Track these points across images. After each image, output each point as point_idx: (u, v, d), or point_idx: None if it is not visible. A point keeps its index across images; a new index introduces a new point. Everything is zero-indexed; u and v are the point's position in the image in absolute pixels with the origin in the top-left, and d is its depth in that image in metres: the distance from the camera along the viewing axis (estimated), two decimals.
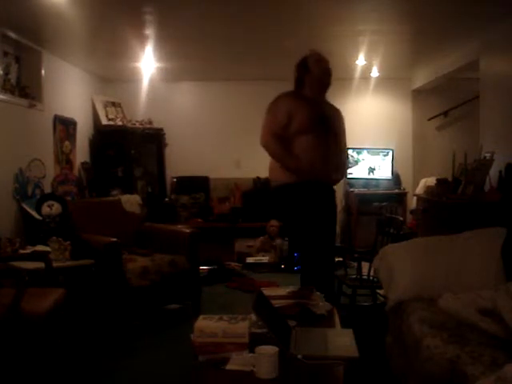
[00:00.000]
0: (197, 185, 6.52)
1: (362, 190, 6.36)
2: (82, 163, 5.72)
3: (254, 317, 2.06)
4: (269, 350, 1.76)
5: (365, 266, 3.82)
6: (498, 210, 3.41)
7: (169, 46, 4.81)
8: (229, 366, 1.82)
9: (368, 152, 6.49)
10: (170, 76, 6.22)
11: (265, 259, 5.88)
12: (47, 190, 4.65)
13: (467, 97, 6.03)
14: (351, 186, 6.46)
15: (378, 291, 3.87)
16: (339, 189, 6.64)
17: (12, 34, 4.21)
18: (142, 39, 4.49)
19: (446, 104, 6.48)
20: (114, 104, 6.34)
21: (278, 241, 6.01)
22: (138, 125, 6.28)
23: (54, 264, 3.26)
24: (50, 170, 4.85)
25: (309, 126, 2.98)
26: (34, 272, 3.14)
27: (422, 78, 6.23)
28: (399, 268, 2.98)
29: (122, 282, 3.68)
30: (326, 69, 3.13)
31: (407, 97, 6.68)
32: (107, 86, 6.51)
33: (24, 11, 3.64)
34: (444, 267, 2.87)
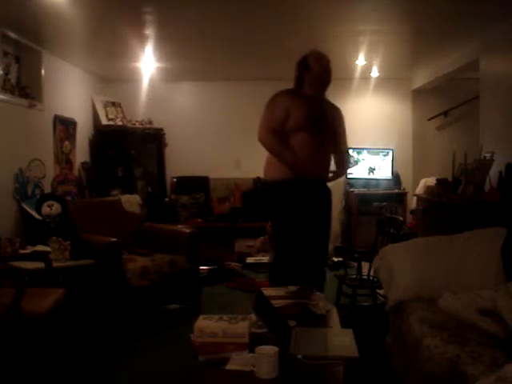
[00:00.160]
0: (197, 185, 6.52)
1: (362, 190, 6.36)
2: (82, 163, 5.72)
3: (253, 317, 2.06)
4: (269, 349, 1.76)
5: (365, 266, 3.82)
6: (497, 210, 3.41)
7: (169, 46, 4.81)
8: (229, 366, 1.82)
9: (368, 152, 6.49)
10: (169, 76, 6.22)
11: (265, 259, 5.87)
12: (47, 190, 4.65)
13: (467, 97, 6.03)
14: (351, 186, 6.46)
15: (378, 291, 3.87)
16: (339, 189, 6.66)
17: (12, 34, 4.21)
18: (142, 39, 4.49)
19: (446, 104, 6.48)
20: (114, 104, 6.34)
21: None
22: (138, 125, 6.28)
23: (54, 264, 3.26)
24: (50, 170, 4.85)
25: (305, 123, 2.99)
26: (33, 272, 3.13)
27: (422, 77, 6.23)
28: (399, 268, 2.98)
29: (122, 282, 3.68)
30: (326, 67, 3.13)
31: (407, 97, 6.68)
32: (107, 86, 6.51)
33: (24, 11, 3.64)
34: (444, 267, 2.87)
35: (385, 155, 6.48)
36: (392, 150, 6.48)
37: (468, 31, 4.36)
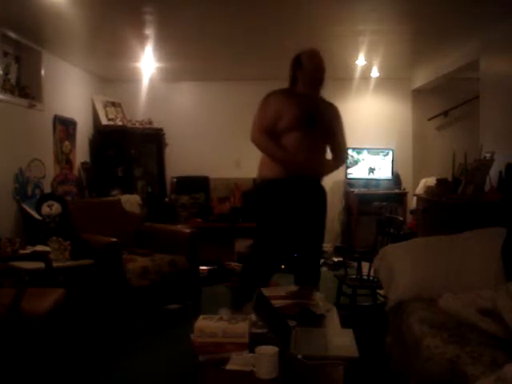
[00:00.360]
0: (197, 185, 6.52)
1: (362, 190, 6.36)
2: (82, 163, 5.72)
3: (254, 317, 2.07)
4: (269, 350, 1.76)
5: (365, 266, 3.82)
6: (497, 209, 3.41)
7: (169, 45, 4.81)
8: (229, 366, 1.82)
9: (368, 152, 6.49)
10: (170, 76, 6.21)
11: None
12: (47, 190, 4.65)
13: (467, 97, 6.03)
14: (351, 186, 6.46)
15: (378, 291, 3.87)
16: (339, 189, 6.67)
17: (12, 34, 4.21)
18: (142, 39, 4.49)
19: (445, 104, 6.48)
20: (113, 104, 6.34)
21: None
22: (137, 125, 6.27)
23: (54, 264, 3.26)
24: (50, 170, 4.85)
25: (297, 122, 2.97)
26: (33, 272, 3.13)
27: (422, 77, 6.23)
28: (399, 268, 2.99)
29: (122, 282, 3.68)
30: (319, 65, 3.11)
31: (407, 97, 6.68)
32: (107, 86, 6.51)
33: (24, 11, 3.64)
34: (444, 267, 2.87)
35: (385, 155, 6.48)
36: (392, 149, 6.48)
37: (468, 31, 4.36)
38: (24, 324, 2.59)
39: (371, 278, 3.84)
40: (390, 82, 6.55)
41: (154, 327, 3.87)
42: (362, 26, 4.25)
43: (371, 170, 6.48)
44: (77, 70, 5.68)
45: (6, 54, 4.28)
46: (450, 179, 4.00)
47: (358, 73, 6.01)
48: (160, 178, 6.49)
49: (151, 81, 6.22)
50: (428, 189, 4.45)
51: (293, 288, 2.75)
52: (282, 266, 5.75)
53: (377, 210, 5.88)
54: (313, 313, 2.34)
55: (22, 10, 3.61)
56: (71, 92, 5.54)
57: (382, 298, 3.84)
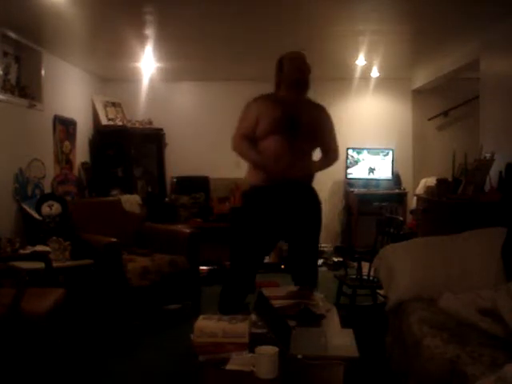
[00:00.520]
0: (197, 185, 6.52)
1: (362, 190, 6.36)
2: (82, 163, 5.72)
3: (254, 317, 2.07)
4: (269, 349, 1.76)
5: (365, 266, 3.82)
6: (497, 209, 3.41)
7: (169, 45, 4.81)
8: (229, 366, 1.82)
9: (368, 152, 6.49)
10: (170, 76, 6.21)
11: (265, 259, 5.87)
12: (47, 190, 4.65)
13: (467, 97, 6.03)
14: (351, 186, 6.46)
15: (378, 291, 3.87)
16: (339, 189, 6.67)
17: (12, 34, 4.21)
18: (142, 39, 4.48)
19: (446, 104, 6.48)
20: (113, 104, 6.34)
21: None
22: (137, 125, 6.27)
23: (54, 264, 3.26)
24: (50, 170, 4.85)
25: (276, 126, 2.93)
26: (33, 272, 3.13)
27: (422, 77, 6.23)
28: (399, 268, 2.99)
29: (122, 282, 3.68)
30: (300, 67, 3.04)
31: (407, 97, 6.68)
32: (107, 86, 6.51)
33: (24, 11, 3.64)
34: (444, 267, 2.87)
35: (385, 155, 6.48)
36: (392, 149, 6.48)
37: (468, 31, 4.36)
38: (24, 324, 2.59)
39: (371, 278, 3.84)
40: (390, 81, 6.55)
41: (153, 327, 3.87)
42: (362, 26, 4.25)
43: (371, 170, 6.49)
44: (77, 70, 5.68)
45: (5, 54, 4.27)
46: (450, 179, 4.00)
47: (357, 73, 6.00)
48: (160, 178, 6.48)
49: (151, 81, 6.21)
50: (428, 189, 4.45)
51: (293, 288, 2.75)
52: (282, 266, 5.79)
53: (377, 210, 5.87)
54: (313, 313, 2.34)
55: (22, 10, 3.61)
56: (71, 92, 5.54)
57: (382, 298, 3.84)
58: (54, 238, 3.58)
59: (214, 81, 6.57)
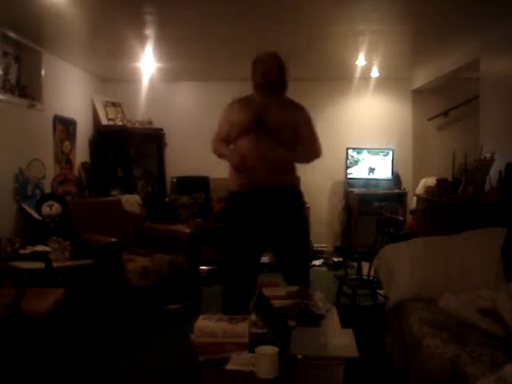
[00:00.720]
0: (197, 185, 6.51)
1: (362, 190, 6.36)
2: (82, 163, 5.71)
3: (254, 317, 2.07)
4: (269, 349, 1.76)
5: (365, 266, 3.82)
6: (497, 210, 3.41)
7: (169, 45, 4.81)
8: (229, 366, 1.82)
9: (368, 152, 6.49)
10: (170, 76, 6.21)
11: (265, 259, 5.87)
12: (47, 190, 4.65)
13: (467, 97, 6.03)
14: (351, 186, 6.46)
15: (378, 291, 3.87)
16: (339, 189, 6.67)
17: (12, 34, 4.21)
18: (142, 39, 4.48)
19: (446, 104, 6.48)
20: (114, 104, 6.34)
21: None
22: (137, 125, 6.27)
23: (54, 264, 3.26)
24: (50, 170, 4.85)
25: (245, 127, 2.95)
26: (33, 272, 3.13)
27: (422, 77, 6.23)
28: (399, 268, 2.99)
29: (122, 282, 3.68)
30: (268, 69, 3.01)
31: (407, 97, 6.68)
32: (107, 86, 6.51)
33: (24, 11, 3.64)
34: (444, 267, 2.87)
35: (385, 155, 6.48)
36: (392, 149, 6.48)
37: (468, 31, 4.36)
38: (24, 324, 2.59)
39: (371, 278, 3.84)
40: (390, 81, 6.55)
41: (154, 327, 3.87)
42: (362, 26, 4.25)
43: (371, 170, 6.48)
44: (77, 70, 5.68)
45: (5, 54, 4.27)
46: (450, 179, 4.00)
47: (357, 73, 6.00)
48: (160, 178, 6.48)
49: (151, 81, 6.21)
50: (428, 189, 4.45)
51: (293, 288, 2.75)
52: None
53: (377, 210, 5.87)
54: (313, 313, 2.34)
55: (22, 10, 3.61)
56: (71, 92, 5.54)
57: (382, 298, 3.84)
58: (54, 238, 3.58)
59: (213, 81, 6.56)
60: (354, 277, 3.99)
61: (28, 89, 4.58)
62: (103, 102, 6.24)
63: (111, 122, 6.13)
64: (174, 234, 4.44)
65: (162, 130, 6.44)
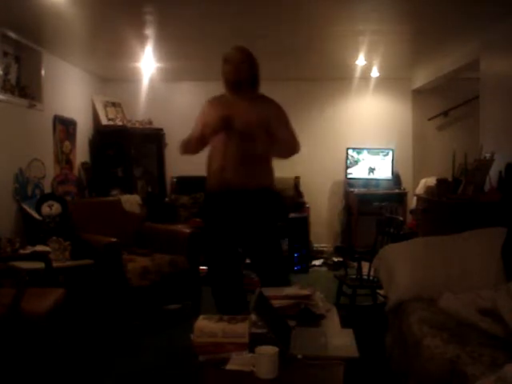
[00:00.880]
0: (197, 185, 6.47)
1: (362, 190, 6.36)
2: (82, 163, 5.71)
3: (253, 317, 2.06)
4: (269, 349, 1.76)
5: (365, 266, 3.82)
6: (497, 209, 3.41)
7: (169, 45, 4.81)
8: (229, 366, 1.82)
9: (368, 152, 6.49)
10: (169, 76, 6.21)
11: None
12: (47, 190, 4.65)
13: (467, 97, 6.03)
14: (351, 186, 6.46)
15: (378, 291, 3.87)
16: (339, 189, 6.67)
17: (12, 34, 4.21)
18: (142, 39, 4.48)
19: (446, 104, 6.48)
20: (114, 104, 6.34)
21: None
22: (137, 125, 6.27)
23: (54, 264, 3.26)
24: (50, 170, 4.85)
25: (215, 129, 2.93)
26: (33, 272, 3.13)
27: (422, 77, 6.23)
28: (399, 268, 2.99)
29: (122, 282, 3.68)
30: (233, 67, 3.01)
31: (407, 97, 6.68)
32: (107, 86, 6.51)
33: (24, 11, 3.64)
34: (444, 267, 2.87)
35: (385, 155, 6.48)
36: (392, 149, 6.48)
37: (468, 31, 4.36)
38: (24, 324, 2.59)
39: (371, 277, 3.84)
40: (390, 81, 6.55)
41: (154, 327, 3.87)
42: (362, 26, 4.24)
43: (371, 170, 6.48)
44: (77, 70, 5.68)
45: (5, 54, 4.27)
46: (450, 179, 4.00)
47: (357, 73, 6.00)
48: (160, 178, 6.48)
49: (151, 81, 6.21)
50: (428, 189, 4.45)
51: (293, 288, 2.75)
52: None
53: (377, 210, 5.87)
54: (313, 313, 2.34)
55: (22, 10, 3.61)
56: (71, 92, 5.54)
57: (382, 298, 3.84)
58: (54, 238, 3.58)
59: (213, 81, 6.51)
60: (354, 277, 3.99)
61: (28, 89, 4.58)
62: (103, 102, 6.24)
63: (111, 122, 6.13)
64: (174, 233, 4.44)
65: (161, 129, 6.44)
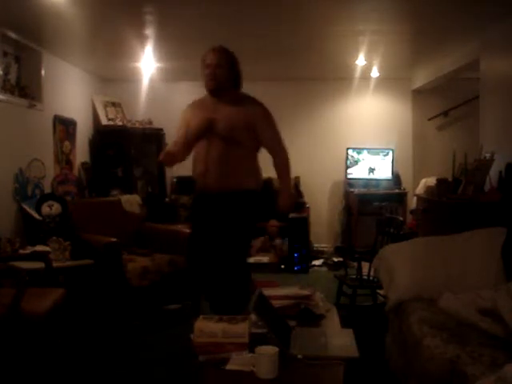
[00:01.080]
0: None
1: (362, 190, 6.36)
2: (82, 163, 5.72)
3: (253, 317, 2.06)
4: (269, 349, 1.76)
5: (365, 266, 3.82)
6: (497, 209, 3.41)
7: (169, 45, 4.81)
8: (229, 366, 1.82)
9: (368, 152, 6.49)
10: (169, 76, 6.21)
11: (265, 259, 5.88)
12: (47, 190, 4.65)
13: (467, 97, 6.03)
14: (351, 186, 6.46)
15: (378, 291, 3.87)
16: (339, 189, 6.67)
17: (12, 34, 4.21)
18: (142, 39, 4.48)
19: (446, 104, 6.48)
20: (114, 104, 6.34)
21: (278, 241, 6.01)
22: (137, 125, 6.27)
23: (54, 264, 3.27)
24: (50, 170, 4.85)
25: (197, 133, 2.90)
26: (33, 272, 3.13)
27: (422, 77, 6.23)
28: (399, 268, 2.99)
29: (122, 282, 3.68)
30: (210, 68, 2.95)
31: (407, 97, 6.68)
32: (107, 86, 6.51)
33: (24, 11, 3.64)
34: (444, 267, 2.87)
35: (385, 155, 6.48)
36: (392, 149, 6.48)
37: (468, 31, 4.36)
38: (24, 324, 2.59)
39: (371, 278, 3.84)
40: (390, 81, 6.55)
41: (154, 327, 3.87)
42: (362, 26, 4.25)
43: (371, 170, 6.49)
44: (77, 70, 5.68)
45: (5, 54, 4.27)
46: (450, 179, 4.00)
47: (357, 73, 6.00)
48: (160, 178, 6.48)
49: (151, 81, 6.21)
50: (428, 189, 4.45)
51: (293, 288, 2.75)
52: (282, 266, 5.79)
53: (377, 210, 5.88)
54: (313, 313, 2.34)
55: (22, 10, 3.61)
56: (71, 92, 5.54)
57: (382, 298, 3.84)
58: (54, 238, 3.58)
59: None
60: (354, 277, 3.99)
61: (28, 89, 4.58)
62: (103, 102, 6.24)
63: (111, 122, 6.13)
64: (174, 234, 4.44)
65: (161, 130, 6.43)
